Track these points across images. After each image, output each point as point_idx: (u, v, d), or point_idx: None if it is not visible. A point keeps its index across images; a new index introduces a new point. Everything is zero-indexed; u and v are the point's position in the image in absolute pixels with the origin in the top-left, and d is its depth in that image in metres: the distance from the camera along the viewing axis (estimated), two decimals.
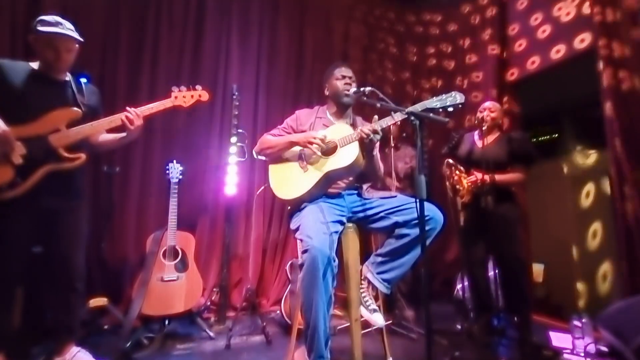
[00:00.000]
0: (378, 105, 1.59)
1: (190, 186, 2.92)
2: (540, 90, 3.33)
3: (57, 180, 1.58)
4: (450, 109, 1.55)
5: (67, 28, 1.64)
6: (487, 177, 2.25)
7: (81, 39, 1.67)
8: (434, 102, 1.56)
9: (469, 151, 2.44)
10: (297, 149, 1.77)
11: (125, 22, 2.86)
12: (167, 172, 2.45)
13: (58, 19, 1.63)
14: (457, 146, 2.52)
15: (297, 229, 1.62)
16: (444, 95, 1.57)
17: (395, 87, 3.99)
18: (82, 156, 1.63)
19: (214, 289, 2.79)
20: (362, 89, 1.73)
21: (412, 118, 1.37)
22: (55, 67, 1.66)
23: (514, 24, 3.32)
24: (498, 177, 2.24)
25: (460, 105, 1.54)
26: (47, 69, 1.66)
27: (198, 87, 1.92)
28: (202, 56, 3.13)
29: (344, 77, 1.85)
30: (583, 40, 2.72)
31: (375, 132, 1.61)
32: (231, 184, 2.79)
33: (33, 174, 1.52)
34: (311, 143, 1.67)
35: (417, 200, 1.29)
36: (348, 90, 1.78)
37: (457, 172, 2.38)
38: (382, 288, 1.64)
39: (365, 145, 1.69)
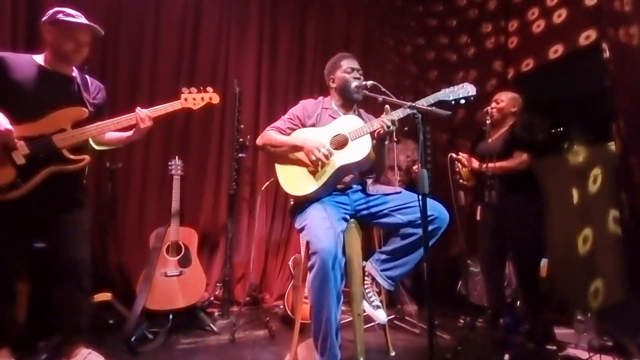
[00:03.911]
0: (380, 99, 1.57)
1: (192, 181, 2.92)
2: (545, 83, 3.28)
3: (59, 181, 1.54)
4: (462, 102, 1.53)
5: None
6: (475, 165, 2.25)
7: (102, 32, 1.64)
8: (447, 94, 1.54)
9: (479, 146, 2.42)
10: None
11: (125, 17, 2.84)
12: (170, 167, 2.45)
13: (77, 12, 1.61)
14: (477, 142, 2.48)
15: (302, 229, 1.61)
16: (455, 87, 1.55)
17: (397, 79, 3.95)
18: (87, 158, 1.58)
19: (217, 284, 2.81)
20: (364, 82, 1.71)
21: (415, 112, 1.35)
22: (72, 59, 1.61)
23: (517, 16, 3.26)
24: (484, 166, 2.19)
25: (472, 98, 1.53)
26: (56, 63, 1.60)
27: (209, 88, 1.84)
28: (202, 51, 3.11)
29: (353, 69, 1.78)
30: (589, 33, 2.67)
31: (393, 122, 1.57)
32: (233, 179, 2.79)
33: (35, 175, 1.47)
34: (315, 156, 1.59)
35: (420, 195, 1.28)
36: (359, 90, 1.71)
37: (459, 164, 2.36)
38: (386, 285, 1.64)
39: (379, 136, 1.63)
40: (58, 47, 1.58)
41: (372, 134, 1.63)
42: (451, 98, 1.52)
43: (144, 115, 1.66)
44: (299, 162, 1.69)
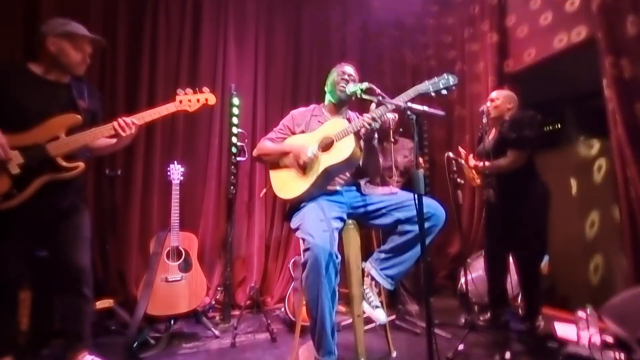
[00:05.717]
0: (375, 101, 1.58)
1: (191, 187, 2.93)
2: (542, 80, 3.29)
3: (56, 188, 1.53)
4: (444, 92, 1.55)
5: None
6: (472, 162, 2.29)
7: (105, 42, 1.72)
8: (427, 86, 1.56)
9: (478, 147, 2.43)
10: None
11: (123, 24, 2.86)
12: (169, 173, 2.47)
13: (79, 24, 1.64)
14: (479, 142, 2.47)
15: (297, 228, 1.63)
16: (436, 78, 1.57)
17: (394, 80, 3.97)
18: (81, 165, 1.58)
19: (218, 288, 2.82)
20: (359, 85, 1.72)
21: (409, 113, 1.36)
22: (78, 70, 1.65)
23: (513, 13, 3.27)
24: (480, 164, 2.24)
25: (454, 87, 1.55)
26: (53, 71, 1.60)
27: (205, 89, 1.83)
28: (200, 57, 3.13)
29: (344, 73, 1.88)
30: (583, 30, 2.67)
31: (374, 119, 1.60)
32: (232, 183, 2.80)
33: (30, 184, 1.47)
34: (302, 159, 1.68)
35: (416, 195, 1.29)
36: (343, 87, 1.81)
37: (460, 162, 2.38)
38: (386, 284, 1.65)
39: (364, 135, 1.68)
40: (65, 58, 1.59)
41: (356, 133, 1.66)
42: (432, 90, 1.55)
43: (125, 122, 1.64)
44: (288, 167, 1.77)
